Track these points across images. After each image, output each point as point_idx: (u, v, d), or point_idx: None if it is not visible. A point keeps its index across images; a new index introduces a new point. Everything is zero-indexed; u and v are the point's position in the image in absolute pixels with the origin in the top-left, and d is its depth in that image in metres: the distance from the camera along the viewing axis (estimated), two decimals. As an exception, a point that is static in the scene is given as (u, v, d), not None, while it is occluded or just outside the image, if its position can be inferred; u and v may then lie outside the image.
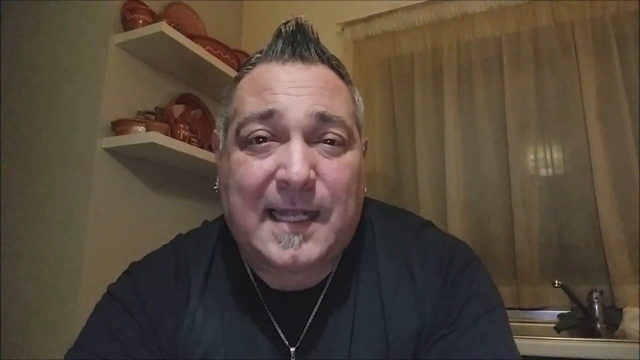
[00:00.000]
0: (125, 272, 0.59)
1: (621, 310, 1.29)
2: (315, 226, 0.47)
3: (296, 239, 0.46)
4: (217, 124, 0.57)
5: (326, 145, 0.49)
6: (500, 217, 1.55)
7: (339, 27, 1.87)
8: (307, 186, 0.46)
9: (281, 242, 0.46)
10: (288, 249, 0.46)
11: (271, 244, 0.47)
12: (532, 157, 1.56)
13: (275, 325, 0.54)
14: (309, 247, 0.47)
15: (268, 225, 0.47)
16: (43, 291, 1.24)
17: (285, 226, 0.47)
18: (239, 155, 0.49)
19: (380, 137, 1.76)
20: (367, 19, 1.83)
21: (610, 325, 1.30)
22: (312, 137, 0.48)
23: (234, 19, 2.07)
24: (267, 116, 0.47)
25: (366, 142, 0.59)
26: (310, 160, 0.47)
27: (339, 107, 0.50)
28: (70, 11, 1.43)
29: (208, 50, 1.54)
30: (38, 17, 1.49)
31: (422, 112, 1.70)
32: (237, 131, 0.49)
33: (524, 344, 1.05)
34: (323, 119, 0.48)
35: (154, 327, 0.53)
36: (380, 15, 1.80)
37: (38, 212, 1.31)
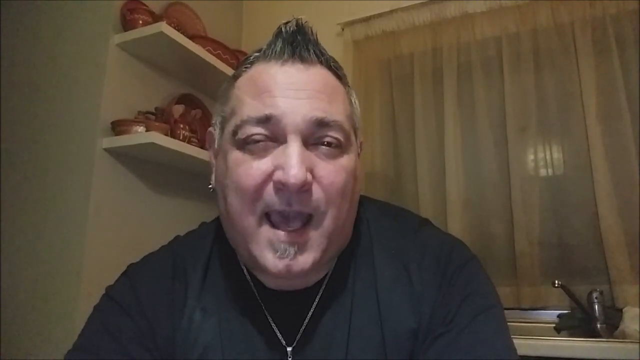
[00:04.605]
0: (123, 274, 0.59)
1: (621, 310, 1.29)
2: (310, 234, 0.48)
3: (291, 250, 0.47)
4: (213, 121, 0.57)
5: (324, 147, 0.49)
6: (500, 217, 1.55)
7: (339, 27, 1.87)
8: (304, 188, 0.46)
9: (277, 251, 0.47)
10: (283, 259, 0.47)
11: (267, 252, 0.47)
12: (532, 157, 1.56)
13: (272, 325, 0.54)
14: (303, 257, 0.48)
15: (266, 231, 0.48)
16: (43, 291, 1.24)
17: (282, 235, 0.47)
18: (236, 155, 0.49)
19: (380, 137, 1.76)
20: (367, 19, 1.82)
21: (610, 325, 1.30)
22: (309, 140, 0.48)
23: (234, 19, 2.07)
24: (265, 120, 0.48)
25: (361, 143, 0.59)
26: (308, 163, 0.47)
27: (337, 111, 0.50)
28: (70, 11, 1.43)
29: (208, 51, 1.54)
30: (38, 17, 1.49)
31: (422, 112, 1.70)
32: (234, 132, 0.49)
33: (523, 344, 1.05)
34: (321, 124, 0.48)
35: (152, 328, 0.53)
36: (380, 15, 1.80)
37: (38, 212, 1.31)
